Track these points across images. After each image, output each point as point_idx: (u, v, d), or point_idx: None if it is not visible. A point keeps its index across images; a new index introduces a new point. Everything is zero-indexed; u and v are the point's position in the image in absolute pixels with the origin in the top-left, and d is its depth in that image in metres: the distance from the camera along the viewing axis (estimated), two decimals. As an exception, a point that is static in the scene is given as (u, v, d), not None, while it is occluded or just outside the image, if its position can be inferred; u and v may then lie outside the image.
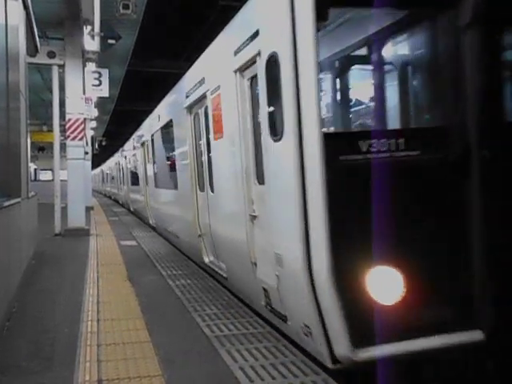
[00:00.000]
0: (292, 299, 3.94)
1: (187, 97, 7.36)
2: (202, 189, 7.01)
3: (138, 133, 14.98)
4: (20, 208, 6.59)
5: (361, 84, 5.08)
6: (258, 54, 4.19)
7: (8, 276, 5.28)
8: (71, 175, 12.46)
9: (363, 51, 4.64)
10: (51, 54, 12.16)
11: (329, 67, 4.94)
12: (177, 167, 8.84)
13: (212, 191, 6.33)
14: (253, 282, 4.89)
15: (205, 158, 6.72)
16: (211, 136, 6.06)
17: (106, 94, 13.69)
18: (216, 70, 5.85)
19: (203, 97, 6.40)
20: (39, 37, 9.78)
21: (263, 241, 4.44)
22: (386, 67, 4.59)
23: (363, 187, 3.34)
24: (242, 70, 4.78)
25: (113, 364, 3.85)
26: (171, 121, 8.96)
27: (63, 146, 13.44)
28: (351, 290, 3.32)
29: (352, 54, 4.78)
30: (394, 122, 4.47)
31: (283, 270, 3.92)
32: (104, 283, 6.73)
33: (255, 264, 4.75)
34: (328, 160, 3.32)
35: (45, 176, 36.03)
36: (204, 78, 6.31)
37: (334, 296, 3.28)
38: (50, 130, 17.19)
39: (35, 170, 37.96)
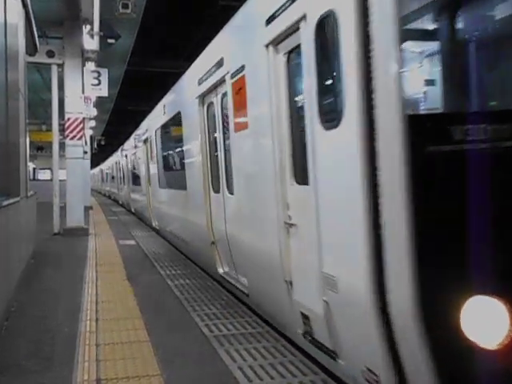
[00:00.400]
0: (349, 334, 3.16)
1: (200, 84, 6.41)
2: (216, 190, 6.16)
3: (140, 129, 14.29)
4: (19, 207, 6.59)
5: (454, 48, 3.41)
6: (303, 17, 3.37)
7: (7, 275, 5.28)
8: (70, 174, 12.44)
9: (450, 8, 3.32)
10: (50, 54, 12.15)
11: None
12: (185, 165, 7.85)
13: (230, 193, 5.50)
14: (286, 305, 4.05)
15: (221, 154, 5.84)
16: (231, 128, 5.18)
17: (105, 94, 13.68)
18: (240, 46, 4.96)
19: (221, 81, 5.49)
20: (38, 36, 9.78)
21: (304, 256, 3.65)
22: (487, 26, 3.37)
23: (457, 189, 2.53)
24: (276, 42, 3.92)
25: (111, 363, 3.85)
26: (179, 113, 8.04)
27: (62, 146, 13.43)
28: (440, 329, 2.50)
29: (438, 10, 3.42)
30: (498, 100, 3.30)
31: (337, 296, 3.14)
32: (103, 283, 6.72)
33: (290, 283, 3.93)
34: (412, 152, 2.48)
35: (44, 175, 36.13)
36: (223, 59, 5.34)
37: (419, 336, 2.47)
38: (49, 130, 17.19)
39: (34, 169, 38.01)
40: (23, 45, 7.80)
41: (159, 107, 10.48)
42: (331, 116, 3.11)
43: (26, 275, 7.06)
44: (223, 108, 5.68)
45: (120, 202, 25.39)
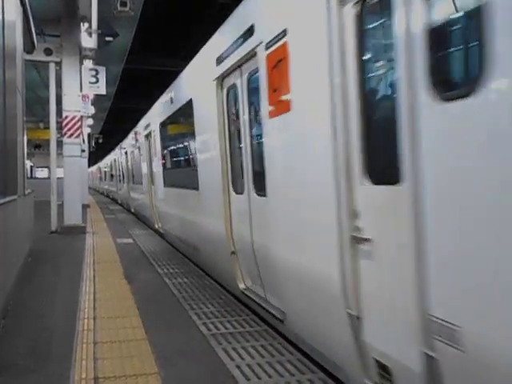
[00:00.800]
0: None
1: (219, 64, 5.43)
2: (238, 190, 5.24)
3: (142, 123, 13.44)
4: (16, 205, 6.57)
5: None
6: None
7: (4, 273, 5.26)
8: (68, 173, 12.44)
9: None
10: (48, 51, 12.12)
11: None
12: (198, 161, 6.85)
13: (260, 194, 4.55)
14: (347, 345, 3.11)
15: (246, 146, 4.90)
16: (263, 113, 4.22)
17: (103, 92, 13.65)
18: (280, 5, 3.92)
19: (249, 57, 4.56)
20: (36, 34, 9.74)
21: (387, 285, 2.69)
22: None
23: None
24: None
25: (109, 362, 3.84)
26: (190, 102, 7.01)
27: (60, 144, 13.43)
28: None
29: None
30: None
31: (460, 356, 2.15)
32: (100, 281, 6.72)
33: (357, 318, 2.98)
34: None
35: (41, 173, 36.17)
36: (253, 27, 4.36)
37: None
38: (47, 128, 17.14)
39: (31, 167, 37.99)
40: (21, 42, 7.78)
41: (165, 97, 9.53)
42: (456, 80, 2.24)
43: (24, 273, 7.05)
44: (250, 90, 4.77)
45: (119, 202, 25.07)
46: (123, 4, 9.74)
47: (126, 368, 3.72)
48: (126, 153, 19.26)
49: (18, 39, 7.26)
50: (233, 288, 5.71)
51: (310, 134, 3.46)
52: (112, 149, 29.00)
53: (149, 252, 9.22)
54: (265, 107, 4.18)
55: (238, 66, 4.94)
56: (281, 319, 4.29)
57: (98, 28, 11.33)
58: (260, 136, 4.46)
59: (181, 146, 8.75)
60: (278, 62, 3.84)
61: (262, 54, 4.15)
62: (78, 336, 4.45)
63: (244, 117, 4.96)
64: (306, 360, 3.81)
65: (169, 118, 9.15)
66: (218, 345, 4.18)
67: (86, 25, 11.20)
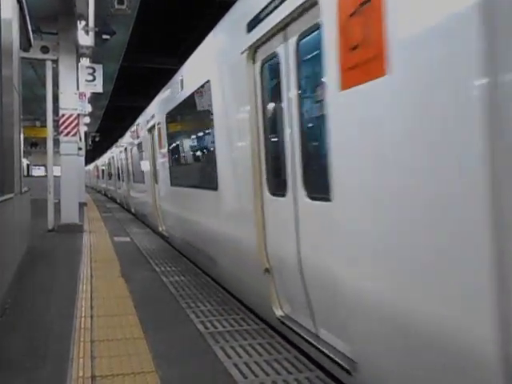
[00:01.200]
0: None
1: (251, 30, 4.30)
2: (276, 191, 4.17)
3: (144, 116, 12.46)
4: (13, 204, 6.56)
5: None
6: None
7: (1, 272, 5.25)
8: (64, 171, 12.42)
9: None
10: (45, 49, 12.08)
11: None
12: (217, 155, 5.66)
13: (317, 198, 3.46)
14: None
15: (293, 134, 3.73)
16: (331, 83, 3.00)
17: (100, 90, 13.61)
18: None
19: (303, 9, 3.42)
20: (33, 31, 9.71)
21: None
22: None
23: None
24: None
25: (106, 360, 3.84)
26: (207, 83, 5.87)
27: (56, 142, 13.38)
28: None
29: None
30: None
31: None
32: (97, 279, 6.71)
33: None
34: None
35: (38, 171, 36.15)
36: None
37: None
38: (43, 126, 17.12)
39: (28, 165, 37.94)
40: (17, 40, 7.75)
41: (172, 84, 8.35)
42: None
43: (21, 272, 7.03)
44: (301, 56, 3.66)
45: (118, 201, 24.61)
46: (120, 2, 9.73)
47: (123, 366, 3.72)
48: (125, 149, 18.59)
49: (14, 37, 7.24)
50: (265, 314, 4.64)
51: (436, 105, 2.20)
52: (109, 147, 28.89)
53: (146, 250, 9.21)
54: (333, 75, 2.96)
55: (282, 27, 3.82)
56: (346, 368, 3.14)
57: (95, 26, 11.29)
58: (319, 118, 3.39)
59: (194, 138, 7.53)
60: (362, 5, 2.66)
61: (330, 0, 2.97)
62: (75, 334, 4.44)
63: (290, 94, 3.78)
64: (303, 358, 3.82)
65: (178, 106, 7.87)
66: (216, 343, 4.18)
67: (83, 23, 11.16)
